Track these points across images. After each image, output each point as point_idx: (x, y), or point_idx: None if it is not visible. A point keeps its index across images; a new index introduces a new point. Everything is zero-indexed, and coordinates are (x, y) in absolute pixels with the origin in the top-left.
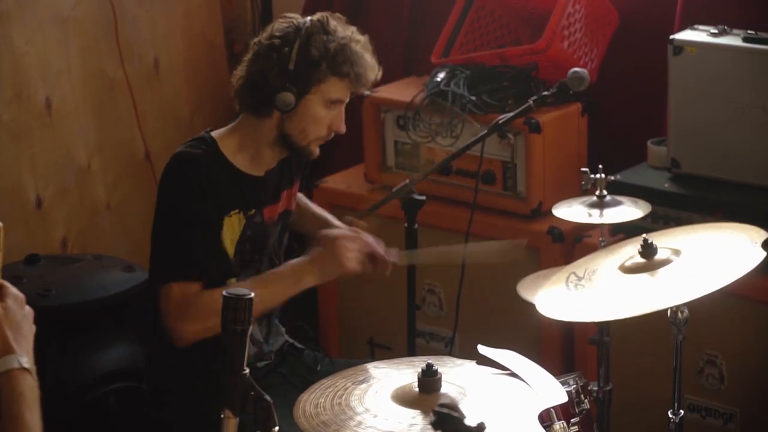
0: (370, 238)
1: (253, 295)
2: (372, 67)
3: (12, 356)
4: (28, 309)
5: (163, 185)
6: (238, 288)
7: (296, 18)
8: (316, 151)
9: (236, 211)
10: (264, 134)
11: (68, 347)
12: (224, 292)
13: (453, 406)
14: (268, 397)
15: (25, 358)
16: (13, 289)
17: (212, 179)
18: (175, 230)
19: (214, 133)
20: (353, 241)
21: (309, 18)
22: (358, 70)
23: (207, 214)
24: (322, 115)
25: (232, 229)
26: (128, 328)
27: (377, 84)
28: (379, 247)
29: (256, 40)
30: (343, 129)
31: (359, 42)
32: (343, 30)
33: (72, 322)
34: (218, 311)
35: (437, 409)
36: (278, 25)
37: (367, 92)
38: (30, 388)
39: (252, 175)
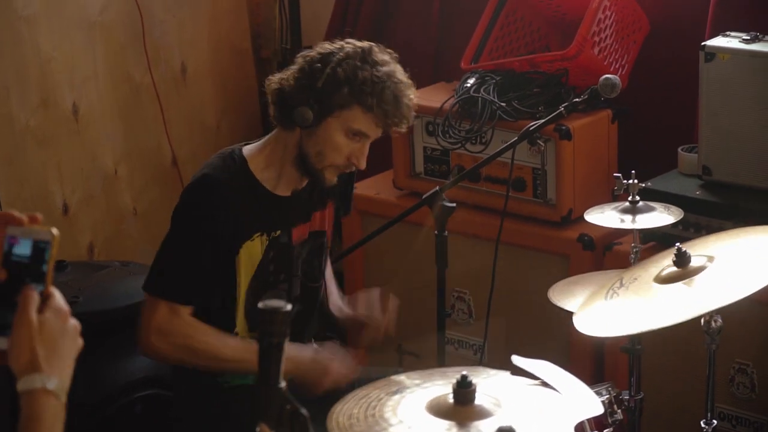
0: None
1: (290, 307)
2: (404, 112)
3: (37, 375)
4: (72, 323)
5: (184, 203)
6: (275, 300)
7: (347, 42)
8: (333, 179)
9: (258, 233)
10: (288, 151)
11: (95, 354)
12: (260, 304)
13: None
14: (305, 411)
15: (53, 380)
16: (58, 302)
17: (234, 206)
18: (183, 249)
19: (246, 149)
20: (341, 371)
21: (357, 44)
22: (385, 108)
23: (219, 242)
24: (341, 143)
25: (249, 254)
26: None
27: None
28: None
29: (302, 53)
30: (362, 165)
31: (398, 82)
32: (386, 65)
33: (98, 330)
34: (192, 347)
35: None
36: (327, 45)
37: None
38: (52, 412)
39: (278, 195)
